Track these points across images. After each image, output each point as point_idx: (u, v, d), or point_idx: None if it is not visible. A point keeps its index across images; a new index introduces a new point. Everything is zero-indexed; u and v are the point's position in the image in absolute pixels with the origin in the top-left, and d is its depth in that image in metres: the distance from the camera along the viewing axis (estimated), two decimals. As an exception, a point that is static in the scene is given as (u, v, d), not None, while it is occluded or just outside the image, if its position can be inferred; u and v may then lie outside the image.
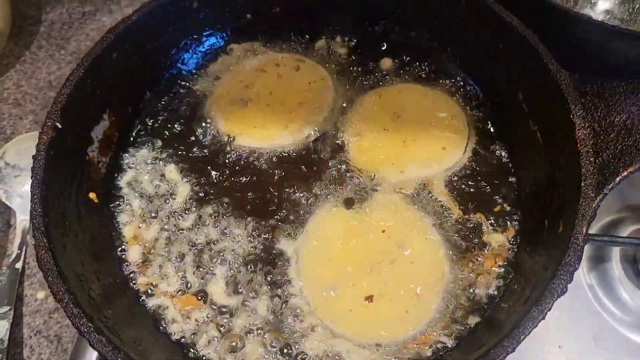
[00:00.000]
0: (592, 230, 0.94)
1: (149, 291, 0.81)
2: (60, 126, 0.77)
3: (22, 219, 1.05)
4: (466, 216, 0.84)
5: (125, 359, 0.62)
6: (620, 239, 0.89)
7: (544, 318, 0.63)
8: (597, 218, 0.99)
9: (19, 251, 1.01)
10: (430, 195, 0.86)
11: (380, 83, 0.97)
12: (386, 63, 1.00)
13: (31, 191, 0.72)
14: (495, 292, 0.77)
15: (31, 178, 0.73)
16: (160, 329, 0.78)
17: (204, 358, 0.75)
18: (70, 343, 0.93)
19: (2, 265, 1.01)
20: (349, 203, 0.85)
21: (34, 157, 0.75)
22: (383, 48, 1.01)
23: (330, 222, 0.83)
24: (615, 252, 0.96)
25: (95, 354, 0.89)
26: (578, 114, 0.73)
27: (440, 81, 0.97)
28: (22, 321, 0.96)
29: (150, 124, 0.94)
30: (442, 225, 0.83)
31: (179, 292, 0.81)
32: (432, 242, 0.80)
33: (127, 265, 0.83)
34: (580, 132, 0.72)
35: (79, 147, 0.83)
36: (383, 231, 0.81)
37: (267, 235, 0.83)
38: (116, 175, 0.89)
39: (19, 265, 0.99)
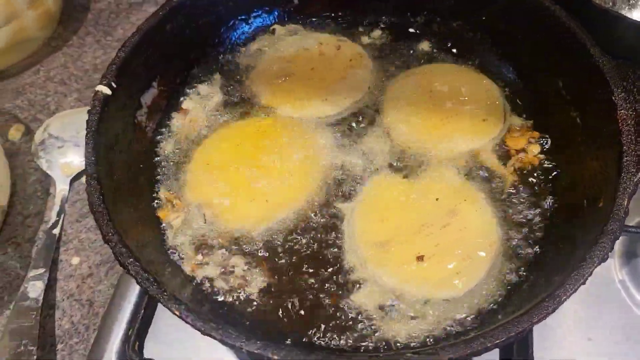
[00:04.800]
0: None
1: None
2: (114, 85, 0.80)
3: (62, 188, 1.08)
4: (518, 184, 0.86)
5: (168, 297, 0.63)
6: (655, 231, 0.89)
7: (584, 283, 0.63)
8: (632, 216, 1.01)
9: (57, 218, 1.04)
10: (481, 165, 0.88)
11: (417, 65, 1.00)
12: (425, 50, 1.03)
13: (85, 141, 0.75)
14: (540, 258, 0.78)
15: (86, 130, 0.76)
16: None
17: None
18: (102, 308, 0.95)
19: (39, 230, 1.04)
20: (401, 173, 0.87)
21: (89, 111, 0.78)
22: (424, 37, 1.04)
23: (385, 188, 0.85)
24: (648, 249, 0.96)
25: (125, 321, 0.91)
26: (620, 95, 0.75)
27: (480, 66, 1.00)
28: (56, 284, 0.98)
29: (196, 95, 0.97)
30: (495, 194, 0.85)
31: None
32: (483, 213, 0.82)
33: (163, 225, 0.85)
34: (622, 112, 0.74)
35: (129, 109, 0.86)
36: (436, 199, 0.83)
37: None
38: (161, 139, 0.92)
39: (56, 231, 1.02)
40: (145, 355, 0.88)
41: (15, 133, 1.16)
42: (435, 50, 1.02)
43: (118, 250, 0.66)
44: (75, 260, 1.01)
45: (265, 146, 0.91)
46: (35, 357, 0.86)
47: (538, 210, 0.83)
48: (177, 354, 0.88)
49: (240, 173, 0.88)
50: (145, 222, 0.81)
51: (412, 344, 0.71)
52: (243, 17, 1.03)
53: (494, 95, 0.94)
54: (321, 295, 0.77)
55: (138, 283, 0.64)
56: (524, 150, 0.89)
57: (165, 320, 0.91)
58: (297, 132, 0.92)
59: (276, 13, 1.05)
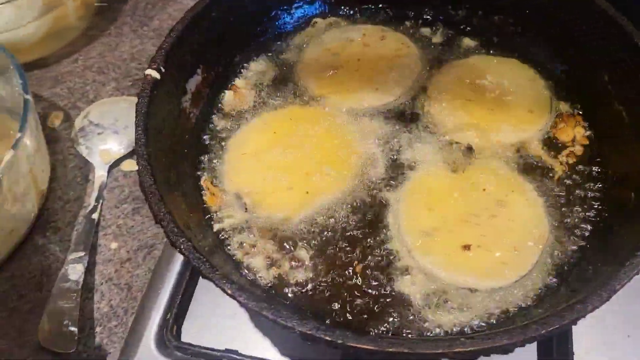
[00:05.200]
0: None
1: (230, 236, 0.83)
2: (163, 70, 0.81)
3: (101, 174, 1.09)
4: (567, 175, 0.86)
5: (220, 277, 0.63)
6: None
7: (638, 273, 0.63)
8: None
9: (96, 203, 1.05)
10: (529, 156, 0.88)
11: (460, 58, 1.01)
12: (468, 43, 1.03)
13: (135, 123, 0.75)
14: (589, 249, 0.78)
15: (136, 112, 0.76)
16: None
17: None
18: (140, 292, 0.96)
19: (79, 215, 1.05)
20: (448, 163, 0.87)
21: (138, 94, 0.78)
22: (465, 30, 1.04)
23: (431, 178, 0.86)
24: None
25: (163, 306, 0.92)
26: (669, 90, 0.75)
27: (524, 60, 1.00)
28: (94, 268, 0.99)
29: (237, 84, 0.98)
30: (543, 185, 0.85)
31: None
32: (532, 204, 0.82)
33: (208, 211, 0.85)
34: (671, 106, 0.73)
35: (176, 94, 0.87)
36: (484, 189, 0.82)
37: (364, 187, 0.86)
38: (203, 127, 0.93)
39: (95, 216, 1.03)
40: (183, 339, 0.88)
41: (55, 120, 1.18)
42: (478, 43, 1.02)
43: (170, 229, 0.66)
44: (114, 245, 1.02)
45: (305, 134, 0.91)
46: (76, 338, 0.88)
47: (587, 201, 0.83)
48: (213, 338, 0.88)
49: (278, 161, 0.88)
50: (191, 208, 0.81)
51: (461, 331, 0.71)
52: (285, 7, 1.04)
53: (539, 86, 0.94)
54: (365, 283, 0.77)
55: (191, 262, 0.64)
56: (573, 141, 0.89)
57: (202, 306, 0.92)
58: (339, 121, 0.92)
59: (317, 4, 1.06)
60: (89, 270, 0.98)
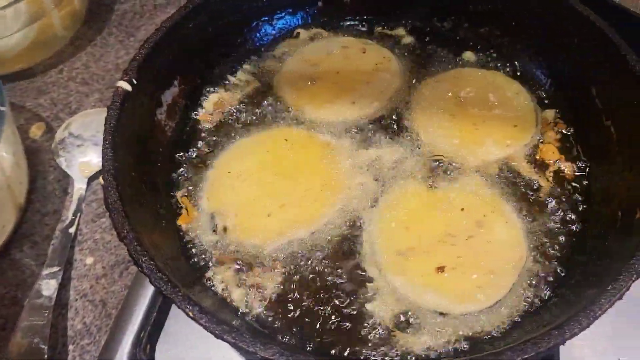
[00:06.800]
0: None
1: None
2: (135, 82, 0.79)
3: (79, 187, 1.07)
4: (551, 194, 0.83)
5: (182, 299, 0.61)
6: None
7: (620, 298, 0.60)
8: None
9: (74, 217, 1.03)
10: (512, 173, 0.85)
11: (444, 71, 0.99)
12: (452, 55, 1.01)
13: (103, 136, 0.74)
14: (571, 272, 0.75)
15: (104, 125, 0.75)
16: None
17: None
18: (115, 309, 0.93)
19: (56, 229, 1.03)
20: (428, 181, 0.85)
21: (108, 106, 0.76)
22: (450, 42, 1.02)
23: (409, 195, 0.83)
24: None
25: (137, 324, 0.89)
26: (657, 104, 0.72)
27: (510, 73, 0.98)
28: (69, 284, 0.97)
29: (217, 96, 0.96)
30: (525, 204, 0.82)
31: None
32: (511, 225, 0.79)
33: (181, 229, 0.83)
34: (660, 120, 0.71)
35: (150, 106, 0.85)
36: (462, 209, 0.80)
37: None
38: (180, 141, 0.91)
39: (72, 230, 1.01)
40: (157, 359, 0.85)
41: (36, 131, 1.17)
42: (462, 56, 1.00)
43: (133, 247, 0.64)
44: (90, 260, 1.00)
45: (288, 157, 0.88)
46: (46, 356, 0.85)
47: (570, 222, 0.80)
48: (188, 358, 0.86)
49: (261, 185, 0.85)
50: (162, 225, 0.79)
51: (431, 356, 0.68)
52: (266, 18, 1.02)
53: (524, 100, 0.92)
54: (334, 305, 0.74)
55: (151, 282, 0.62)
56: (558, 158, 0.86)
57: (178, 324, 0.89)
58: (321, 139, 0.90)
59: (300, 15, 1.04)
60: (64, 286, 0.96)
